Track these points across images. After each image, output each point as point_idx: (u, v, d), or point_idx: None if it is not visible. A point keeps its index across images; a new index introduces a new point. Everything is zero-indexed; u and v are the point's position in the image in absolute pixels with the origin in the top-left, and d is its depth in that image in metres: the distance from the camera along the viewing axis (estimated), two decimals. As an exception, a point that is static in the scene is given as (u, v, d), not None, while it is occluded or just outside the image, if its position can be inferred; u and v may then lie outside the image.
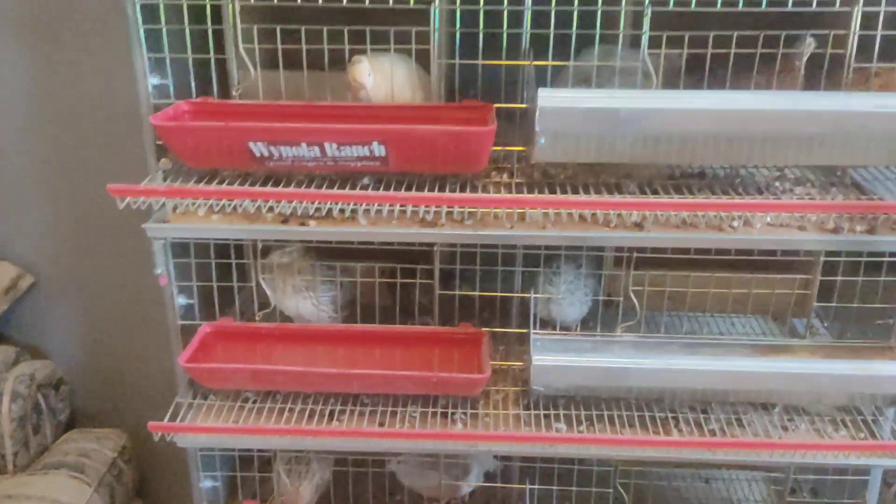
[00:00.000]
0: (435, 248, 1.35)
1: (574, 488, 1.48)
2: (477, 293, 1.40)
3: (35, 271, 1.84)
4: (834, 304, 1.35)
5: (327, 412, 1.36)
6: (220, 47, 1.29)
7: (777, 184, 1.34)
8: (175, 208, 1.27)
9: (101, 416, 1.97)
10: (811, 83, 1.26)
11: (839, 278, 1.33)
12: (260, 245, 1.38)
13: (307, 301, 1.38)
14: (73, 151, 1.71)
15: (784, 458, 1.31)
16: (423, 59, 1.27)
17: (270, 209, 1.25)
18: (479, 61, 1.28)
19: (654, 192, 1.26)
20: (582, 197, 1.22)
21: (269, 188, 1.21)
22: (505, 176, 1.33)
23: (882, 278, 1.30)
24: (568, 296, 1.38)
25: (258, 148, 1.16)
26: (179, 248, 1.33)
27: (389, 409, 1.37)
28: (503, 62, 1.27)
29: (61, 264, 1.83)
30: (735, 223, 1.25)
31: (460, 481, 1.52)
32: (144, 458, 1.96)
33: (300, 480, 1.51)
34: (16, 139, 1.71)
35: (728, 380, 1.27)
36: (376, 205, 1.18)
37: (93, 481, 1.73)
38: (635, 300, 1.36)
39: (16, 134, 1.71)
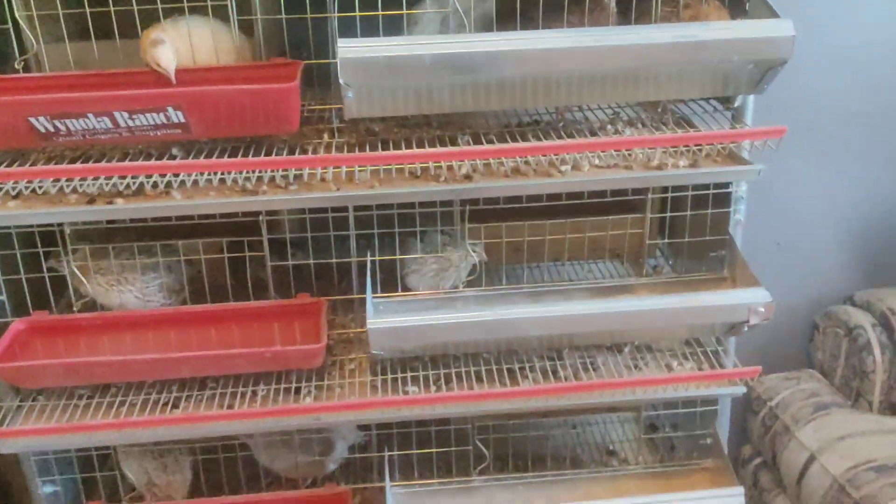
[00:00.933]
0: (260, 218, 1.28)
1: (434, 450, 1.46)
2: (311, 261, 1.35)
3: None
4: (666, 241, 1.36)
5: (169, 400, 1.29)
6: (-1, 18, 1.18)
7: (609, 126, 1.34)
8: (-35, 195, 1.16)
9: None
10: (623, 21, 1.25)
11: (668, 214, 1.34)
12: (68, 230, 1.28)
13: (128, 294, 1.29)
14: None
15: (631, 396, 1.32)
16: (223, 16, 1.20)
17: (74, 189, 1.16)
18: (283, 16, 1.21)
19: (489, 142, 1.23)
20: (405, 151, 1.19)
21: (64, 166, 1.12)
22: (327, 136, 1.28)
23: (709, 210, 1.32)
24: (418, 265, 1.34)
25: (41, 123, 1.06)
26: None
27: (235, 390, 1.31)
28: (308, 15, 1.21)
29: None
30: (564, 167, 1.24)
31: (325, 457, 1.47)
32: (4, 475, 1.83)
33: (171, 474, 1.44)
34: None
35: (572, 323, 1.26)
36: (189, 175, 1.11)
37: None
38: (472, 253, 1.33)
39: None
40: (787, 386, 1.86)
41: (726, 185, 1.29)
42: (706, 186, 1.30)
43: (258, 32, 1.21)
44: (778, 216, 1.81)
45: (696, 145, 1.21)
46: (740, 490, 1.36)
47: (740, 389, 1.33)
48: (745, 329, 1.27)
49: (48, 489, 1.39)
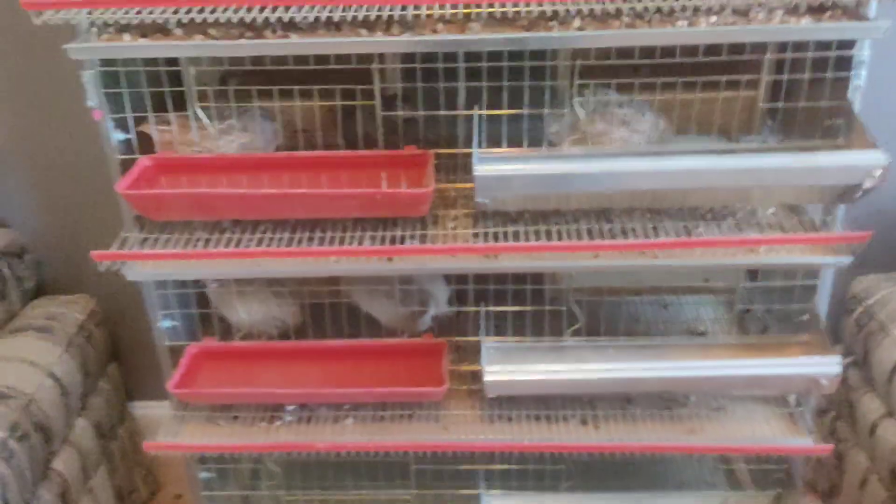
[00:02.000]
0: (373, 66, 1.31)
1: (528, 308, 1.50)
2: (420, 112, 1.38)
3: (-11, 142, 1.81)
4: (781, 105, 1.33)
5: (276, 240, 1.36)
6: None
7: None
8: (100, 33, 1.22)
9: (71, 283, 1.96)
10: None
11: (785, 76, 1.31)
12: (192, 70, 1.34)
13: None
14: (11, 19, 1.65)
15: (731, 258, 1.31)
16: None
17: (200, 30, 1.21)
18: None
19: None
20: (517, -7, 1.19)
21: (191, -2, 1.17)
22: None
23: (829, 74, 1.28)
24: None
25: (174, -49, 1.11)
26: (112, 80, 1.30)
27: (344, 234, 1.36)
28: None
29: (12, 131, 1.80)
30: (679, 23, 1.22)
31: (420, 311, 1.53)
32: (118, 323, 1.98)
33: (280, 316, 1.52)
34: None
35: (675, 178, 1.26)
36: (307, 9, 1.14)
37: (62, 342, 1.74)
38: (580, 111, 1.33)
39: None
40: (885, 286, 1.81)
41: (848, 45, 1.25)
42: (826, 47, 1.26)
43: None
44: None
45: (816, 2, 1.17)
46: (836, 359, 1.36)
47: (846, 259, 1.31)
48: (859, 194, 1.24)
49: (167, 323, 1.49)
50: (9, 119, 1.78)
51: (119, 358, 2.02)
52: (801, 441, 1.45)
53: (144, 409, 2.10)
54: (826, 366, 1.35)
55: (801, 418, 1.48)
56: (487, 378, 1.39)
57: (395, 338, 1.55)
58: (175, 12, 1.15)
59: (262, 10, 1.14)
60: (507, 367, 1.40)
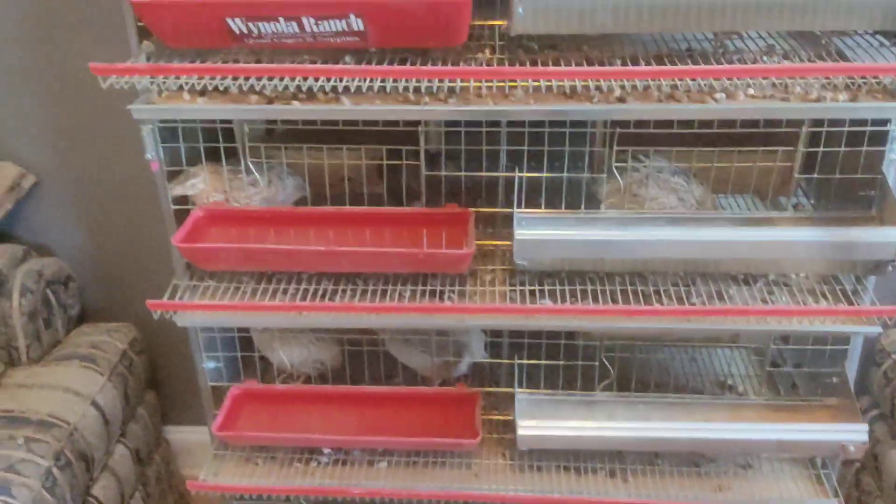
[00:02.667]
0: (420, 128, 1.36)
1: (561, 362, 1.53)
2: (463, 173, 1.42)
3: (37, 170, 1.88)
4: (815, 176, 1.36)
5: (320, 292, 1.41)
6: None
7: (765, 58, 1.33)
8: (160, 92, 1.28)
9: (112, 310, 2.03)
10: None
11: (820, 149, 1.34)
12: (246, 128, 1.40)
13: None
14: (61, 47, 1.72)
15: (763, 326, 1.34)
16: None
17: (255, 90, 1.26)
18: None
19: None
20: (562, 68, 1.23)
21: (250, 65, 1.22)
22: (487, 52, 1.33)
23: (864, 148, 1.31)
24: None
25: (236, 24, 1.16)
26: (169, 134, 1.35)
27: (381, 287, 1.41)
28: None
29: (62, 162, 1.86)
30: (718, 95, 1.25)
31: (454, 362, 1.57)
32: (156, 351, 2.04)
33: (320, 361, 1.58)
34: (2, 39, 1.71)
35: (708, 249, 1.30)
36: (359, 80, 1.19)
37: (105, 371, 1.80)
38: (619, 177, 1.37)
39: (2, 34, 1.71)
40: (913, 340, 1.83)
41: (884, 122, 1.28)
42: (862, 123, 1.29)
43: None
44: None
45: (858, 77, 1.20)
46: (864, 427, 1.38)
47: (876, 329, 1.33)
48: (891, 269, 1.27)
49: (211, 364, 1.54)
50: (57, 150, 1.84)
51: (156, 384, 2.08)
52: (826, 503, 1.46)
53: (179, 434, 2.16)
54: (854, 433, 1.38)
55: (827, 480, 1.50)
56: (520, 432, 1.43)
57: (429, 385, 1.59)
58: (234, 79, 1.20)
59: (316, 79, 1.19)
60: (540, 422, 1.43)
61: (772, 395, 1.59)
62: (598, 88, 1.23)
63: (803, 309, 1.32)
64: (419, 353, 1.55)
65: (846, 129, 1.31)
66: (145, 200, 1.84)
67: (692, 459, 1.55)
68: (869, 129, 1.29)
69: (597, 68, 1.21)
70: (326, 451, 1.55)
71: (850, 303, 1.35)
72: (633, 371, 1.57)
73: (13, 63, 1.74)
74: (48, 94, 1.78)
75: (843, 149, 1.33)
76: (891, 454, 1.75)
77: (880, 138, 1.30)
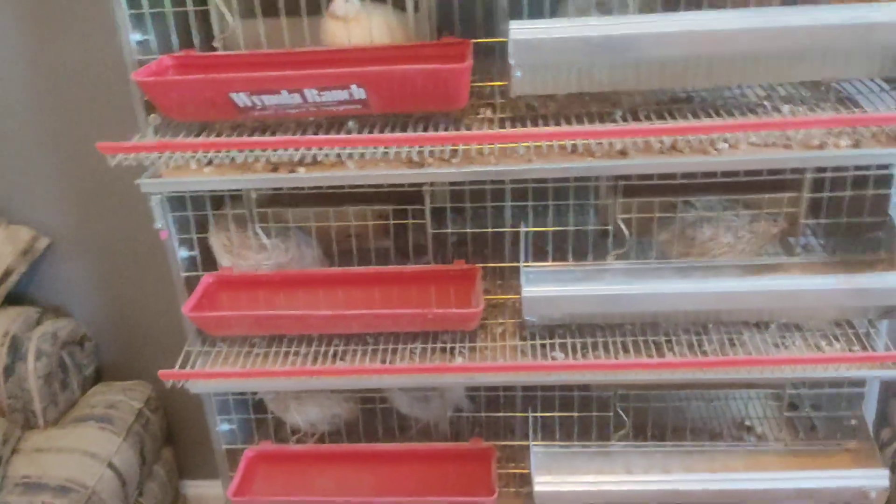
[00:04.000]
0: (424, 189, 1.37)
1: (575, 414, 1.52)
2: (468, 230, 1.43)
3: (50, 233, 1.90)
4: (822, 221, 1.36)
5: (331, 353, 1.41)
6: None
7: (766, 104, 1.34)
8: (168, 163, 1.30)
9: (127, 369, 2.04)
10: (787, -1, 1.24)
11: (826, 194, 1.34)
12: (254, 195, 1.41)
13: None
14: (72, 115, 1.75)
15: (777, 373, 1.34)
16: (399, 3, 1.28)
17: (260, 159, 1.28)
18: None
19: (641, 119, 1.26)
20: (563, 128, 1.24)
21: (255, 138, 1.24)
22: (489, 112, 1.34)
23: (869, 191, 1.30)
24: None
25: (240, 98, 1.18)
26: (177, 202, 1.37)
27: (391, 346, 1.42)
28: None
29: (74, 224, 1.89)
30: (720, 145, 1.26)
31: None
32: (170, 407, 2.04)
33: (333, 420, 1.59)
34: (15, 108, 1.75)
35: (719, 300, 1.29)
36: (362, 148, 1.21)
37: (121, 431, 1.81)
38: (624, 228, 1.37)
39: (15, 103, 1.74)
40: (935, 372, 1.81)
41: (887, 165, 1.28)
42: (866, 167, 1.29)
43: (431, 10, 1.28)
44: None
45: (860, 126, 1.20)
46: (885, 473, 1.36)
47: (892, 373, 1.32)
48: (902, 313, 1.26)
49: (225, 427, 1.55)
50: (70, 213, 1.87)
51: (173, 440, 2.08)
52: (852, 549, 1.44)
53: (197, 489, 2.16)
54: (874, 479, 1.36)
55: (849, 525, 1.48)
56: (537, 488, 1.42)
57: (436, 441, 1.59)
58: (240, 151, 1.22)
59: (320, 148, 1.21)
60: (556, 477, 1.42)
61: (790, 439, 1.57)
62: (599, 144, 1.24)
63: (816, 357, 1.31)
64: (417, 404, 1.55)
65: (850, 173, 1.31)
66: (157, 261, 1.85)
67: (713, 506, 1.53)
68: (873, 172, 1.29)
69: (597, 127, 1.21)
70: (343, 511, 1.54)
71: (864, 346, 1.34)
72: (649, 418, 1.56)
73: (26, 130, 1.77)
74: (60, 160, 1.81)
75: (847, 192, 1.32)
76: (915, 488, 1.73)
77: (885, 181, 1.30)
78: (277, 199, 1.50)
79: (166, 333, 1.96)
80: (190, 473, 2.16)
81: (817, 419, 1.59)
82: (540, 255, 1.45)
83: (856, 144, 1.24)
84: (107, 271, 1.95)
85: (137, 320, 2.00)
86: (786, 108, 1.31)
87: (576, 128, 1.23)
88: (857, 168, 1.30)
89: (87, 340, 1.97)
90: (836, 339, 1.38)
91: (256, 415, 1.59)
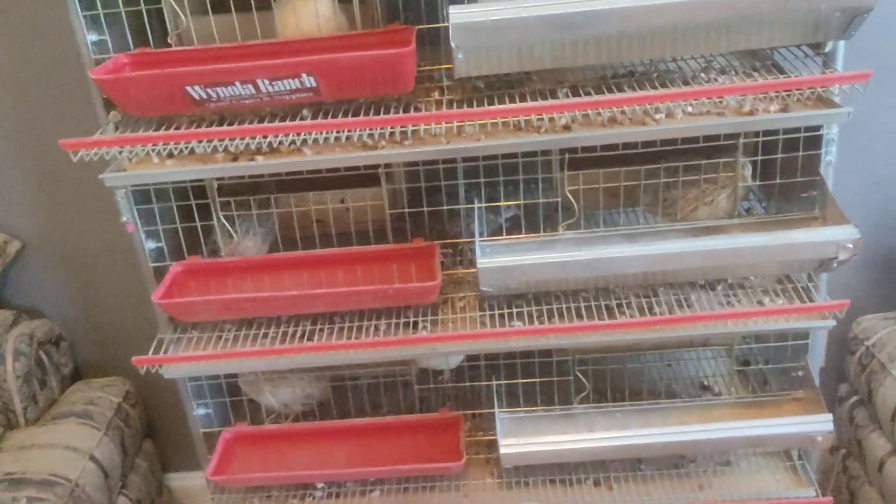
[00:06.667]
0: (380, 170, 1.43)
1: (537, 380, 1.59)
2: (425, 209, 1.49)
3: (22, 237, 1.93)
4: (758, 183, 1.43)
5: (299, 333, 1.47)
6: (151, -1, 1.35)
7: (703, 75, 1.40)
8: (130, 158, 1.35)
9: (105, 366, 2.08)
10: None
11: (759, 158, 1.41)
12: (215, 184, 1.46)
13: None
14: (34, 117, 1.78)
15: (723, 328, 1.41)
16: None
17: (220, 149, 1.32)
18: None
19: (586, 94, 1.33)
20: (508, 105, 1.30)
21: (213, 128, 1.29)
22: (437, 94, 1.40)
23: (800, 153, 1.38)
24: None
25: (196, 91, 1.23)
26: (142, 196, 1.42)
27: (357, 324, 1.47)
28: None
29: (44, 227, 1.92)
30: (658, 115, 1.33)
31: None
32: (150, 401, 2.09)
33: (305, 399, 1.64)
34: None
35: (665, 261, 1.36)
36: (317, 133, 1.26)
37: (101, 426, 1.85)
38: (572, 200, 1.44)
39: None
40: (884, 325, 1.89)
41: (817, 127, 1.35)
42: (797, 129, 1.36)
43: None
44: (879, 156, 1.82)
45: (785, 91, 1.27)
46: (829, 417, 1.44)
47: (830, 323, 1.40)
48: (835, 265, 1.34)
49: (201, 411, 1.60)
50: (40, 215, 1.91)
51: (154, 433, 2.13)
52: (804, 493, 1.53)
53: (180, 481, 2.20)
54: (819, 424, 1.44)
55: (803, 470, 1.56)
56: (503, 450, 1.48)
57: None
58: (199, 142, 1.27)
59: (276, 136, 1.26)
60: (521, 440, 1.49)
61: (744, 393, 1.65)
62: (542, 120, 1.30)
63: (758, 310, 1.39)
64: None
65: (781, 136, 1.38)
66: (128, 257, 1.89)
67: (673, 462, 1.61)
68: (803, 135, 1.36)
69: (540, 103, 1.28)
70: (320, 485, 1.60)
71: (804, 300, 1.42)
72: (608, 382, 1.63)
73: (-11, 137, 1.80)
74: (27, 162, 1.84)
75: (779, 155, 1.40)
76: (871, 437, 1.81)
77: (816, 142, 1.37)
78: (240, 189, 1.55)
79: (141, 329, 1.99)
80: (173, 466, 2.21)
81: (769, 373, 1.67)
82: (496, 233, 1.51)
83: (784, 108, 1.32)
84: (78, 272, 1.98)
85: (112, 318, 2.04)
86: (720, 79, 1.38)
87: (520, 105, 1.29)
88: (787, 132, 1.37)
89: (63, 340, 2.01)
90: (778, 294, 1.45)
91: (232, 398, 1.64)
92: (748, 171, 1.42)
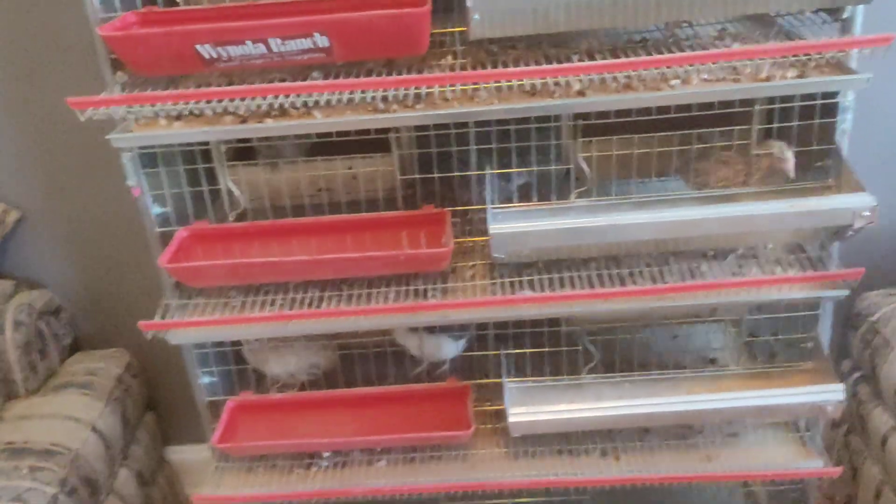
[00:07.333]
0: (390, 135, 1.41)
1: (546, 349, 1.58)
2: (436, 175, 1.47)
3: (21, 206, 1.91)
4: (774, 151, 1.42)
5: (307, 300, 1.45)
6: (160, -44, 1.33)
7: (717, 42, 1.39)
8: (137, 120, 1.32)
9: (105, 337, 2.07)
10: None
11: (775, 125, 1.40)
12: (223, 148, 1.44)
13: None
14: (37, 83, 1.75)
15: (734, 297, 1.40)
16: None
17: (229, 111, 1.30)
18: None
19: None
20: (522, 68, 1.28)
21: (222, 88, 1.26)
22: (450, 57, 1.38)
23: (816, 121, 1.36)
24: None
25: (206, 50, 1.21)
26: (148, 159, 1.40)
27: (366, 291, 1.46)
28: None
29: (44, 195, 1.90)
30: (673, 81, 1.31)
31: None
32: (152, 373, 2.07)
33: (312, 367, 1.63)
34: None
35: (676, 228, 1.35)
36: (328, 95, 1.24)
37: (102, 396, 1.84)
38: (585, 167, 1.43)
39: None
40: (888, 302, 1.89)
41: (833, 94, 1.33)
42: (813, 97, 1.34)
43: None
44: (891, 130, 1.80)
45: (803, 55, 1.25)
46: (840, 387, 1.44)
47: (843, 292, 1.39)
48: (850, 234, 1.33)
49: (206, 380, 1.59)
50: (39, 184, 1.88)
51: (155, 406, 2.11)
52: (812, 464, 1.52)
53: (181, 454, 2.19)
54: (830, 393, 1.43)
55: (811, 441, 1.56)
56: (511, 419, 1.48)
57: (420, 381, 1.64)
58: (208, 102, 1.24)
59: (287, 96, 1.24)
60: (530, 409, 1.48)
61: (751, 365, 1.64)
62: (557, 84, 1.29)
63: (770, 279, 1.38)
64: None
65: (797, 104, 1.37)
66: (130, 226, 1.87)
67: (680, 433, 1.60)
68: (819, 102, 1.35)
69: (554, 66, 1.26)
70: (326, 454, 1.59)
71: (815, 269, 1.41)
72: (616, 353, 1.63)
73: (-12, 104, 1.77)
74: (27, 130, 1.81)
75: (796, 123, 1.38)
76: (874, 413, 1.82)
77: (832, 109, 1.36)
78: (248, 154, 1.53)
79: (142, 300, 1.95)
80: (174, 439, 2.20)
81: (777, 346, 1.66)
82: (506, 201, 1.49)
83: (801, 75, 1.30)
84: (78, 243, 1.96)
85: (112, 289, 2.02)
86: (736, 45, 1.36)
87: (534, 67, 1.27)
88: (803, 98, 1.36)
89: (63, 311, 1.99)
90: (790, 264, 1.44)
91: (237, 366, 1.63)
92: (790, 164, 1.40)
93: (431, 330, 1.56)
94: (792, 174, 1.37)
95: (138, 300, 1.99)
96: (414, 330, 1.56)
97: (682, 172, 1.50)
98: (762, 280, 1.37)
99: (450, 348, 1.61)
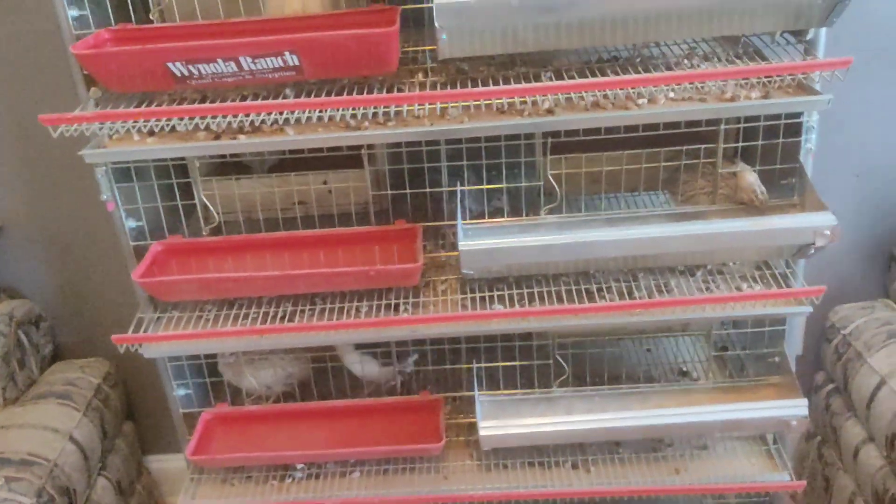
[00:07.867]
0: (363, 151, 1.43)
1: (517, 363, 1.60)
2: (407, 191, 1.49)
3: (1, 216, 1.91)
4: (738, 169, 1.44)
5: (280, 314, 1.47)
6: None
7: (686, 62, 1.41)
8: (111, 135, 1.34)
9: (85, 346, 2.07)
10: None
11: (740, 144, 1.42)
12: (198, 163, 1.46)
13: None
14: (14, 96, 1.76)
15: (701, 313, 1.42)
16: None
17: (202, 127, 1.32)
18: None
19: (570, 78, 1.33)
20: (492, 87, 1.30)
21: (194, 105, 1.28)
22: (421, 76, 1.40)
23: (780, 140, 1.39)
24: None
25: (177, 68, 1.22)
26: (122, 174, 1.41)
27: (342, 305, 1.47)
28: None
29: (23, 206, 1.90)
30: (641, 101, 1.33)
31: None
32: (131, 383, 2.08)
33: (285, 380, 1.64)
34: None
35: (644, 245, 1.37)
36: (300, 113, 1.26)
37: (80, 406, 1.84)
38: (554, 184, 1.45)
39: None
40: (861, 315, 1.91)
41: (797, 114, 1.36)
42: (778, 116, 1.37)
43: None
44: (857, 149, 1.84)
45: (766, 77, 1.28)
46: (804, 402, 1.46)
47: (806, 309, 1.42)
48: (812, 252, 1.35)
49: (182, 392, 1.60)
50: (18, 195, 1.89)
51: (133, 415, 2.12)
52: (779, 477, 1.55)
53: (160, 463, 2.20)
54: (794, 408, 1.46)
55: (777, 455, 1.59)
56: (482, 433, 1.49)
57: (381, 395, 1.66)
58: (181, 119, 1.26)
59: (258, 114, 1.25)
60: (501, 422, 1.50)
61: (721, 379, 1.67)
62: (524, 103, 1.31)
63: (735, 295, 1.40)
64: (367, 361, 1.61)
65: (762, 123, 1.39)
66: (108, 238, 1.88)
67: (651, 445, 1.62)
68: (783, 122, 1.38)
69: (523, 86, 1.28)
70: (300, 466, 1.61)
71: (781, 286, 1.44)
72: (587, 367, 1.64)
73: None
74: (5, 142, 1.82)
75: (760, 142, 1.41)
76: (847, 425, 1.84)
77: (796, 129, 1.38)
78: (223, 170, 1.55)
79: (121, 311, 1.98)
80: (153, 448, 2.20)
81: (746, 359, 1.68)
82: (478, 217, 1.51)
83: (765, 95, 1.33)
84: (58, 253, 1.97)
85: (92, 299, 2.03)
86: (703, 65, 1.39)
87: (504, 87, 1.29)
88: (767, 118, 1.38)
89: (43, 320, 1.99)
90: (756, 280, 1.47)
91: (212, 378, 1.64)
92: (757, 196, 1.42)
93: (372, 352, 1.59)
94: (759, 204, 1.40)
95: (117, 310, 1.99)
96: (357, 350, 1.58)
97: (669, 185, 1.53)
98: (728, 297, 1.40)
99: (382, 372, 1.64)
